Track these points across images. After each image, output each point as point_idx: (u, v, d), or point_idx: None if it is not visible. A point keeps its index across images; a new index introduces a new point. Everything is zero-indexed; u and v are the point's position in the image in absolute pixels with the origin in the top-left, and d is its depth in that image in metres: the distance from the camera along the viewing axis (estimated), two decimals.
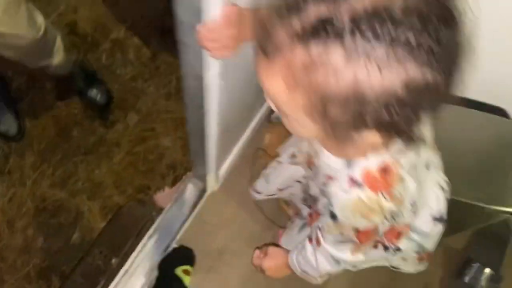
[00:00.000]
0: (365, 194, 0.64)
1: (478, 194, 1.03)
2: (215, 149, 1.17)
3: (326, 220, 0.73)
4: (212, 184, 1.39)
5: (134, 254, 1.29)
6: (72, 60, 1.56)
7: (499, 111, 1.12)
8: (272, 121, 1.42)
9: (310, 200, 1.00)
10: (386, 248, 0.90)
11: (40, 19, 1.22)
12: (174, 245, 1.33)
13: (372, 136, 0.53)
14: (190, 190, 1.39)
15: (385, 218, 0.67)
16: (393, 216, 0.68)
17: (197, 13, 0.63)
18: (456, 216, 1.12)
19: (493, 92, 1.11)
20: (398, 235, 0.87)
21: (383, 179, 0.64)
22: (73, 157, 1.62)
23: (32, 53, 1.29)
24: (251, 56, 0.53)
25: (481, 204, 1.03)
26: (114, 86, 1.72)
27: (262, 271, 1.01)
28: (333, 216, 0.70)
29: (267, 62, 0.49)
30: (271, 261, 0.99)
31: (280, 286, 1.22)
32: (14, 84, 1.71)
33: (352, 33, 0.42)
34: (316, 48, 0.44)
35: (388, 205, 0.65)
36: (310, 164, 0.88)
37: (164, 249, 1.32)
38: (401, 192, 0.65)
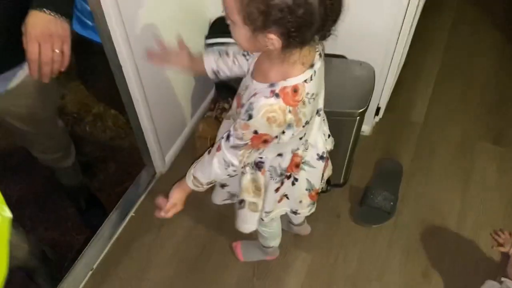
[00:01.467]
0: (278, 103, 0.85)
1: (342, 104, 1.42)
2: (151, 128, 1.60)
3: (239, 122, 0.90)
4: (160, 169, 1.79)
5: (103, 224, 1.64)
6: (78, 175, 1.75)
7: (340, 56, 1.57)
8: (205, 116, 1.86)
9: None
10: (289, 177, 1.10)
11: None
12: (132, 214, 1.69)
13: (276, 41, 0.78)
14: (143, 174, 1.79)
15: (281, 130, 0.89)
16: (287, 128, 0.90)
17: None
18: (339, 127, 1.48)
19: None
20: (297, 165, 1.08)
21: (293, 96, 0.86)
22: (64, 203, 1.90)
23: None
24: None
25: (345, 110, 1.42)
26: (97, 146, 2.11)
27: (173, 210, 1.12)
28: (250, 116, 0.87)
29: None
30: (177, 194, 1.10)
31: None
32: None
33: None
34: None
35: (289, 117, 0.86)
36: (239, 105, 1.02)
37: (123, 218, 1.67)
38: (301, 111, 0.89)
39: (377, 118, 1.91)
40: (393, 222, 1.66)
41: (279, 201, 1.15)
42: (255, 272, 1.55)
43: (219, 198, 1.27)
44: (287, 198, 1.16)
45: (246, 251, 1.58)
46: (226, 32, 1.73)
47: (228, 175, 1.01)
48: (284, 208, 1.19)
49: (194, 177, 1.05)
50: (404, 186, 1.75)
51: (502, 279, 1.35)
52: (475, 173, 1.81)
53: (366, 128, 1.88)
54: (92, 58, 2.52)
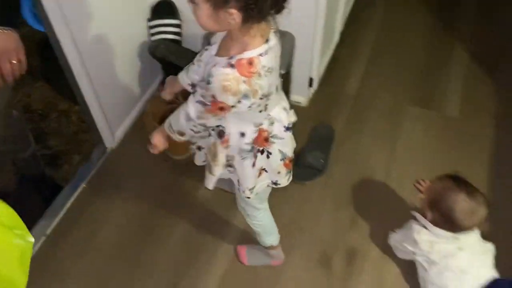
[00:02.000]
0: (233, 74, 0.93)
1: None
2: (97, 105, 1.74)
3: (202, 86, 1.01)
4: (110, 144, 1.92)
5: (58, 196, 1.77)
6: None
7: None
8: (155, 95, 2.00)
9: None
10: (262, 152, 1.15)
11: None
12: (84, 185, 1.82)
13: (236, 15, 0.85)
14: (95, 150, 1.92)
15: (236, 100, 0.95)
16: (244, 98, 0.96)
17: None
18: None
19: None
20: (266, 140, 1.13)
21: (248, 68, 0.93)
22: (30, 193, 1.97)
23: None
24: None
25: None
26: (62, 140, 2.16)
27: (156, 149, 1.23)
28: (208, 82, 0.96)
29: None
30: (156, 137, 1.21)
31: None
32: None
33: None
34: None
35: (243, 87, 0.93)
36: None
37: (75, 189, 1.80)
38: (257, 83, 0.95)
39: (312, 90, 2.06)
40: (325, 180, 1.81)
41: (259, 175, 1.20)
42: (197, 228, 1.69)
43: (200, 160, 1.34)
44: (266, 171, 1.21)
45: (251, 255, 1.64)
46: (168, 14, 1.93)
47: (191, 129, 1.11)
48: (265, 181, 1.24)
49: (169, 123, 1.17)
50: (337, 148, 1.90)
51: (413, 213, 1.49)
52: (402, 133, 1.97)
53: (302, 100, 2.04)
54: (56, 59, 2.70)
